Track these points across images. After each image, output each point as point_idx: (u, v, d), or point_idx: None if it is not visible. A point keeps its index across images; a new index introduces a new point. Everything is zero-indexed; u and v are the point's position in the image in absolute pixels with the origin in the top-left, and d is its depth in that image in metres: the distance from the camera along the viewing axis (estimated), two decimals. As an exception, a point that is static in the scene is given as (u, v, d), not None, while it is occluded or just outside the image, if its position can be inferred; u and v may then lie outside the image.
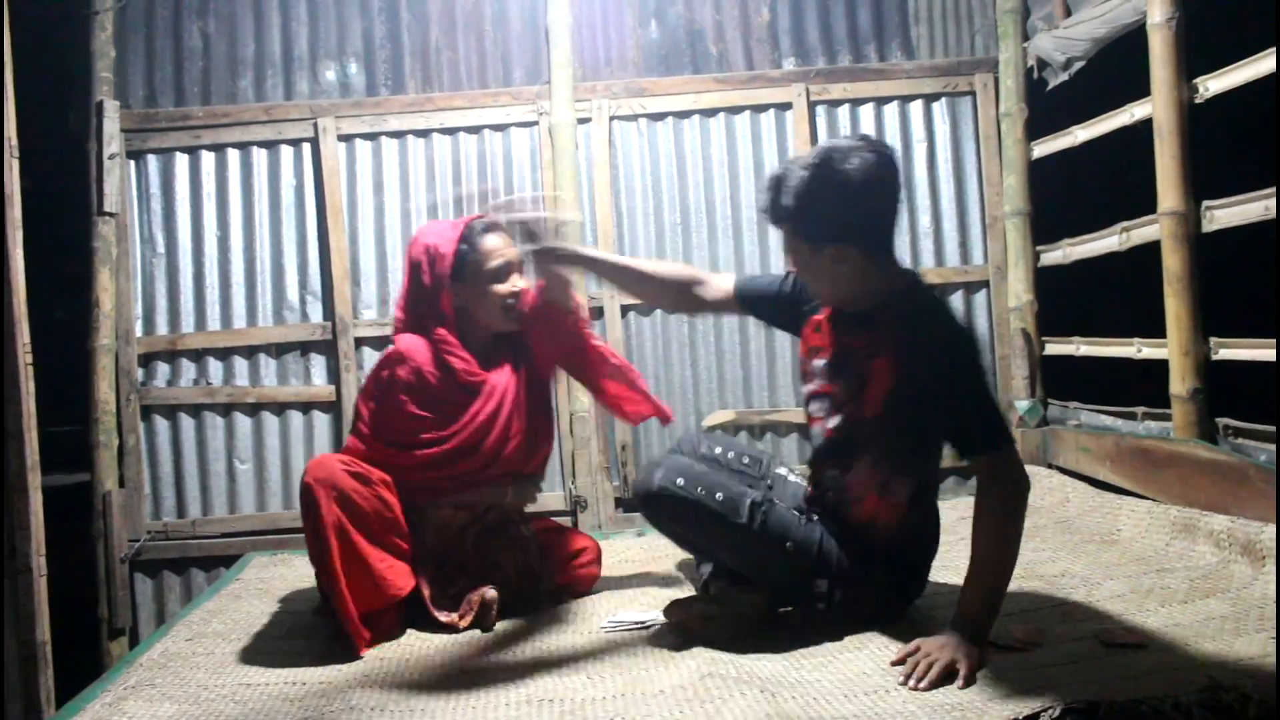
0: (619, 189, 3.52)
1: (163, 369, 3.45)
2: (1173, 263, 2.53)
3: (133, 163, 3.46)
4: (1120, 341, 2.89)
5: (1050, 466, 3.16)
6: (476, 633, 2.06)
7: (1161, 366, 2.62)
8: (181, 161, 3.47)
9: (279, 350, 3.48)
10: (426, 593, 2.09)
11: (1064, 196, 3.30)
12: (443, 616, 2.08)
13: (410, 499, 2.12)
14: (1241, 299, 2.64)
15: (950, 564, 2.06)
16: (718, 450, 2.18)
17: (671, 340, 3.51)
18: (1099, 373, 3.15)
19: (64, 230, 3.34)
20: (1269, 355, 2.27)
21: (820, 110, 3.51)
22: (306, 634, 2.10)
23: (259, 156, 3.49)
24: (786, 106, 3.49)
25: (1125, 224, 2.82)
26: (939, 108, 3.52)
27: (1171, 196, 2.53)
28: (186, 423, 3.44)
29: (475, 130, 3.50)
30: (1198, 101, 2.49)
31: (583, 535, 2.44)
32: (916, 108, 3.52)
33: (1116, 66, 2.85)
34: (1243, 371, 2.42)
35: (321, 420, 3.46)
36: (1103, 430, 2.97)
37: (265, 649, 2.02)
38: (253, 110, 3.47)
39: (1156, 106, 2.56)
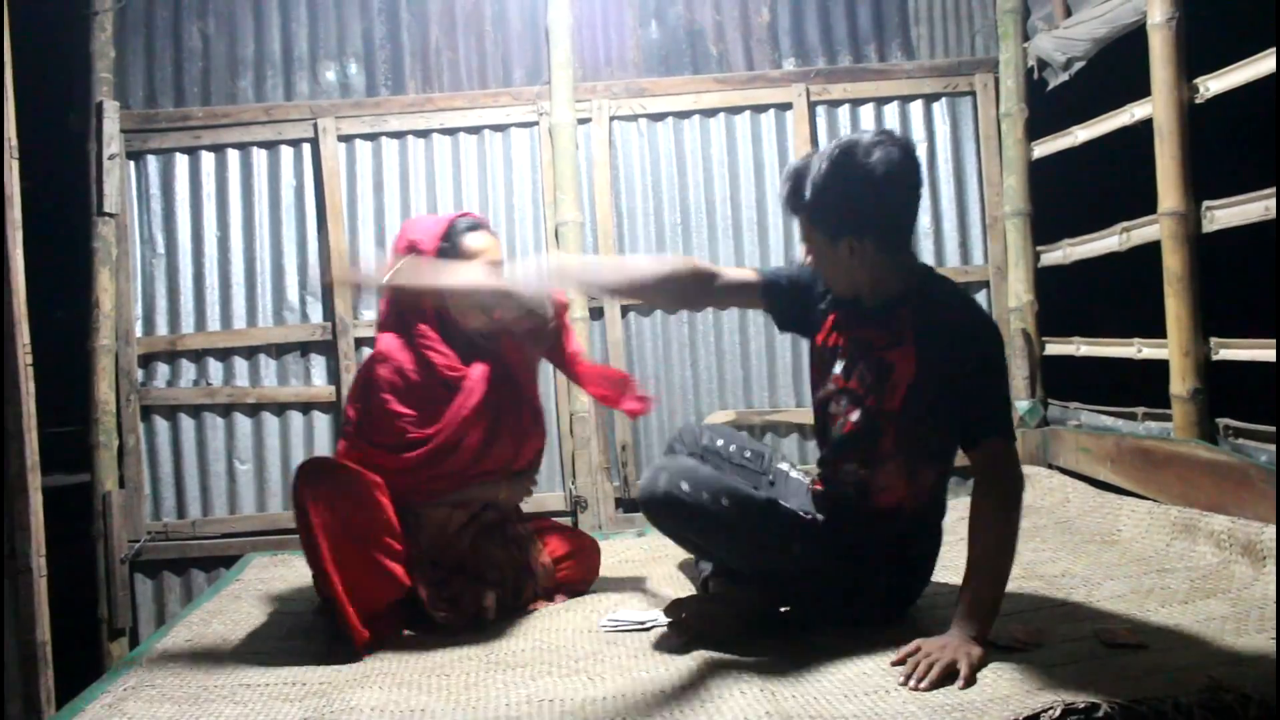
0: (619, 189, 3.52)
1: (163, 369, 3.45)
2: (1173, 263, 2.53)
3: (132, 163, 3.46)
4: (1120, 342, 2.89)
5: (1050, 467, 3.16)
6: (475, 633, 2.05)
7: (1162, 367, 2.62)
8: (181, 162, 3.47)
9: (279, 351, 3.48)
10: (424, 593, 2.09)
11: (1064, 197, 3.30)
12: (441, 617, 2.08)
13: (404, 501, 2.11)
14: (1241, 299, 2.64)
15: (950, 564, 2.05)
16: (719, 443, 2.17)
17: (671, 340, 3.51)
18: (1099, 373, 3.15)
19: (64, 230, 3.35)
20: (1269, 355, 2.27)
21: (820, 110, 3.51)
22: (306, 634, 2.10)
23: (259, 157, 3.49)
24: (787, 107, 3.49)
25: (1125, 224, 2.82)
26: (939, 108, 3.52)
27: (1172, 196, 2.53)
28: (186, 423, 3.44)
29: (475, 130, 3.50)
30: (1198, 101, 2.49)
31: (580, 533, 2.44)
32: (917, 108, 3.52)
33: (1116, 67, 2.85)
34: (1243, 372, 2.42)
35: (321, 420, 3.46)
36: (1103, 430, 2.97)
37: (265, 649, 2.02)
38: (253, 111, 3.47)
39: (1157, 106, 2.56)
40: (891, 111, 3.51)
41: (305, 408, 3.45)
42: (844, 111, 3.52)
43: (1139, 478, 2.67)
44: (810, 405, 2.03)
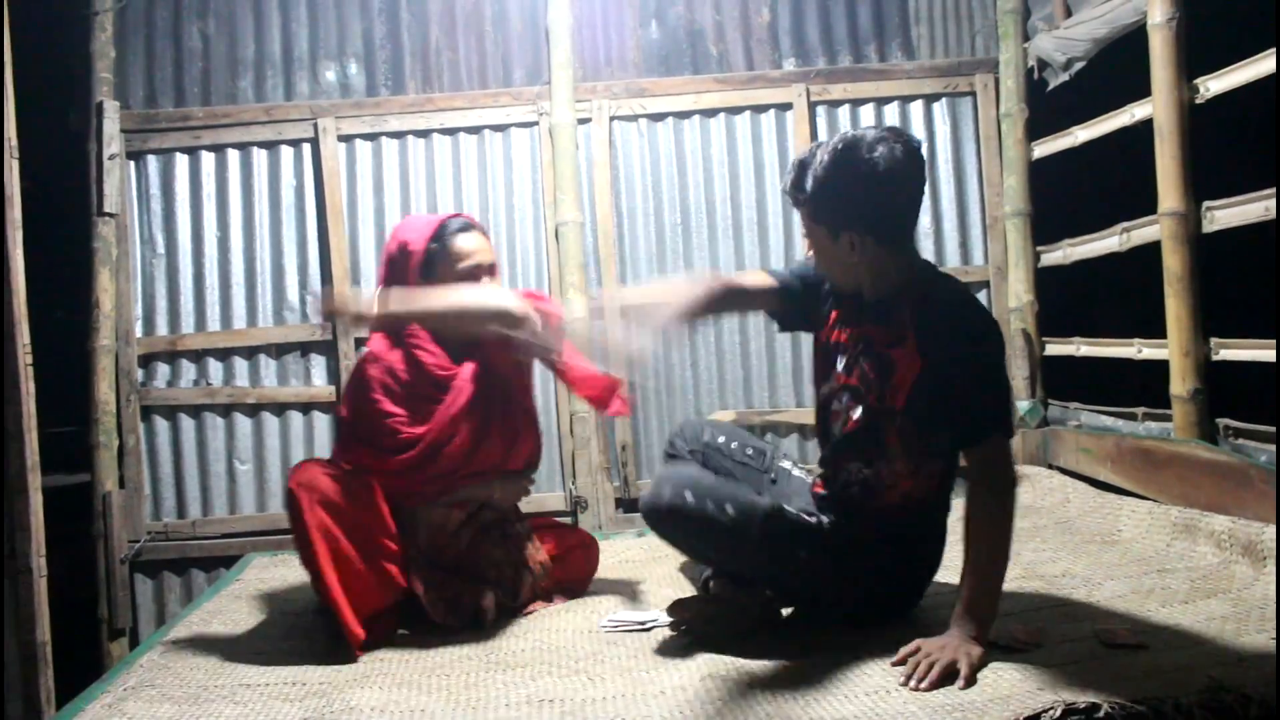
0: (619, 189, 3.52)
1: (163, 369, 3.45)
2: (1173, 263, 2.53)
3: (133, 163, 3.46)
4: (1120, 342, 2.89)
5: (1050, 467, 3.15)
6: (475, 633, 2.05)
7: (1162, 367, 2.62)
8: (181, 162, 3.47)
9: (279, 351, 3.48)
10: (422, 593, 2.08)
11: (1064, 197, 3.30)
12: (439, 617, 2.07)
13: (398, 503, 2.11)
14: (1241, 299, 2.64)
15: (949, 564, 2.05)
16: (720, 440, 2.16)
17: (672, 340, 3.51)
18: (1099, 373, 3.15)
19: (64, 231, 3.34)
20: (1269, 355, 2.27)
21: (820, 110, 3.51)
22: (306, 634, 2.10)
23: (259, 157, 3.49)
24: (787, 107, 3.50)
25: (1125, 224, 2.82)
26: (939, 108, 3.53)
27: (1172, 197, 2.53)
28: (186, 423, 3.44)
29: (475, 131, 3.50)
30: (1198, 102, 2.49)
31: (578, 530, 2.42)
32: (917, 108, 3.52)
33: (1117, 67, 2.85)
34: (1243, 372, 2.42)
35: (322, 421, 3.46)
36: (1103, 431, 2.97)
37: (265, 649, 2.02)
38: (253, 111, 3.47)
39: (1157, 107, 2.56)
40: (891, 112, 3.51)
41: (305, 408, 3.45)
42: (844, 112, 3.52)
43: (1139, 478, 2.67)
44: (810, 405, 2.02)
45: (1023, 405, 3.32)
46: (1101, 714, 1.40)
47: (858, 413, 1.86)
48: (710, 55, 3.57)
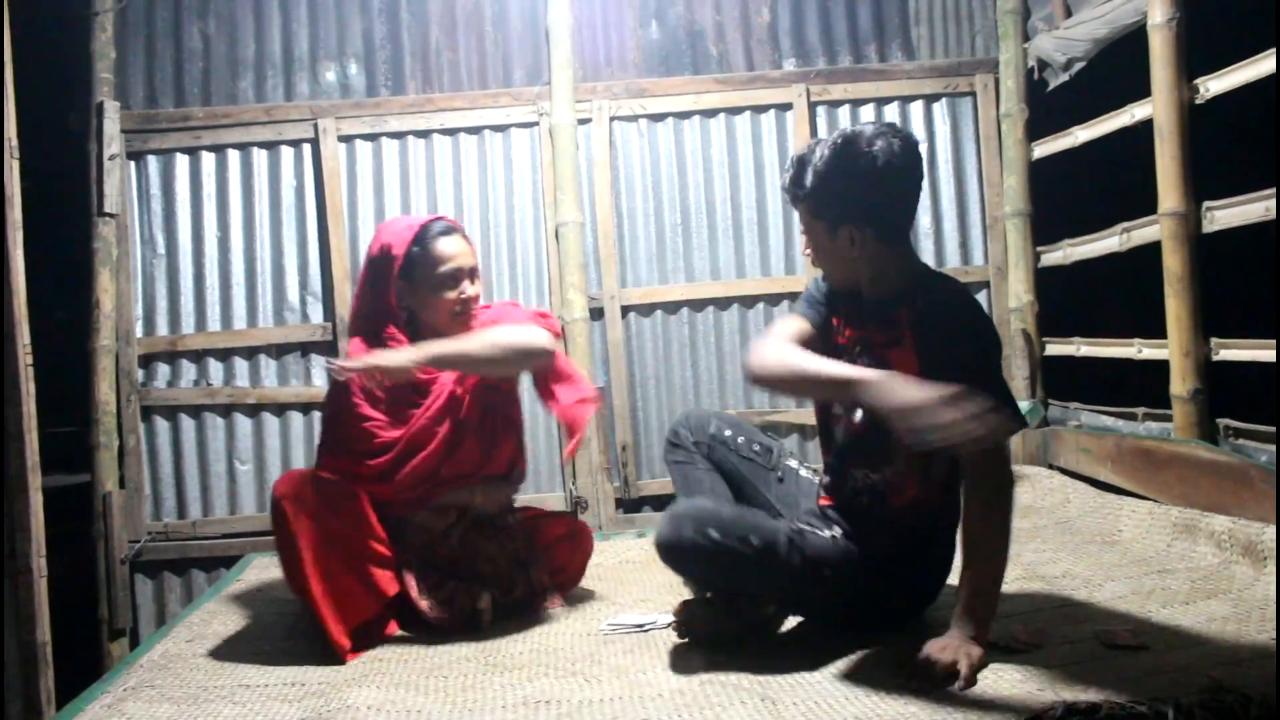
0: (619, 190, 3.52)
1: (163, 370, 3.45)
2: (1173, 263, 2.53)
3: (133, 163, 3.46)
4: (1121, 342, 2.89)
5: (1051, 467, 3.15)
6: (473, 634, 2.04)
7: (1162, 367, 2.62)
8: (182, 162, 3.47)
9: (279, 351, 3.48)
10: (416, 595, 2.07)
11: (1064, 197, 3.30)
12: (435, 619, 2.06)
13: (383, 512, 2.10)
14: (1241, 299, 2.64)
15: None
16: (727, 433, 2.12)
17: (672, 340, 3.51)
18: (1099, 373, 3.15)
19: (64, 231, 3.34)
20: (1269, 355, 2.27)
21: (821, 111, 3.51)
22: (306, 635, 2.10)
23: (259, 157, 3.49)
24: (787, 107, 3.50)
25: (1126, 224, 2.82)
26: (939, 108, 3.53)
27: (1172, 197, 2.53)
28: (187, 423, 3.44)
29: (475, 131, 3.50)
30: (1198, 102, 2.49)
31: (566, 517, 2.38)
32: (917, 108, 3.52)
33: (1117, 67, 2.85)
34: (1243, 372, 2.41)
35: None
36: (1103, 431, 2.97)
37: (265, 650, 2.02)
38: (253, 111, 3.47)
39: (1157, 107, 2.56)
40: (891, 112, 3.51)
41: (305, 408, 3.45)
42: (844, 112, 3.52)
43: (1139, 478, 2.67)
44: (810, 406, 2.01)
45: (1023, 405, 3.30)
46: (1102, 714, 1.40)
47: (859, 415, 1.85)
48: (710, 55, 3.57)
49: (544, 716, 1.59)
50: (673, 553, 1.82)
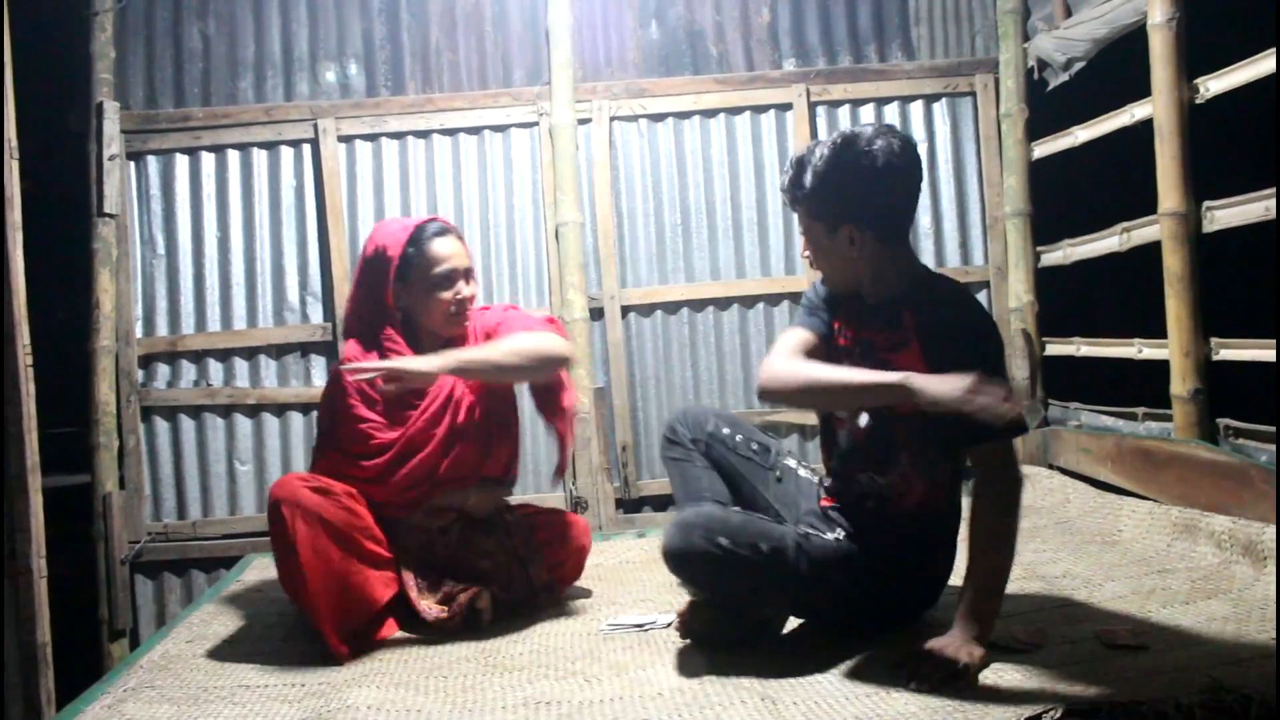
0: (619, 190, 3.52)
1: (163, 370, 3.45)
2: (1173, 263, 2.53)
3: (133, 164, 3.46)
4: (1121, 342, 2.89)
5: (1051, 467, 3.15)
6: (473, 634, 2.04)
7: (1162, 367, 2.62)
8: (181, 162, 3.47)
9: (279, 351, 3.48)
10: (415, 595, 2.07)
11: (1064, 197, 3.30)
12: (434, 619, 2.06)
13: (379, 513, 2.10)
14: (1241, 299, 2.64)
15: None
16: (725, 431, 2.10)
17: (672, 340, 3.51)
18: (1100, 373, 3.15)
19: (64, 231, 3.34)
20: (1269, 355, 2.27)
21: (820, 111, 3.51)
22: (306, 635, 2.10)
23: (259, 157, 3.49)
24: (787, 107, 3.50)
25: (1126, 224, 2.82)
26: (939, 108, 3.53)
27: (1172, 197, 2.53)
28: (187, 424, 3.44)
29: (475, 131, 3.50)
30: (1198, 102, 2.49)
31: (566, 514, 2.38)
32: (917, 108, 3.52)
33: (1117, 67, 2.85)
34: (1243, 372, 2.41)
35: (322, 421, 3.46)
36: (1103, 431, 2.97)
37: (265, 651, 2.02)
38: (253, 111, 3.47)
39: (1157, 107, 2.56)
40: (892, 112, 3.51)
41: (305, 408, 3.45)
42: (844, 112, 3.52)
43: (1139, 478, 2.67)
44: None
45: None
46: (1103, 715, 1.40)
47: (864, 419, 1.85)
48: (710, 55, 3.57)
49: (544, 717, 1.59)
50: (682, 561, 1.80)
